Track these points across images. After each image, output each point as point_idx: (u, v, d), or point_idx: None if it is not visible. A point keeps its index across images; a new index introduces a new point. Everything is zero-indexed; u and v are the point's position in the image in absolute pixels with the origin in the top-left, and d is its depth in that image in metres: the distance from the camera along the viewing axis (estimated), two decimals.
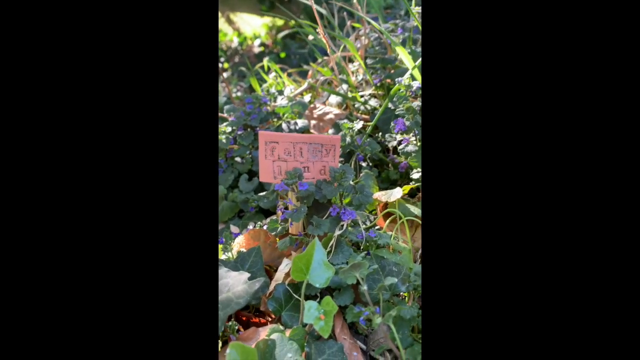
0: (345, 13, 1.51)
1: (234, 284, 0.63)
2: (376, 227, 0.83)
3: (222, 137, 1.13)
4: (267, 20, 3.65)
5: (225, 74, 2.85)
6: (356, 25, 1.46)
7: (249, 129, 1.19)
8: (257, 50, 3.31)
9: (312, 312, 0.57)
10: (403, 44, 1.22)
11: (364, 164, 1.00)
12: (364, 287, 0.59)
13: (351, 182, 0.77)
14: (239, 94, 1.99)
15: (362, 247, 0.74)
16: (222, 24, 3.95)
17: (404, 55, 0.96)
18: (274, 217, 0.84)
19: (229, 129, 1.17)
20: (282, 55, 2.85)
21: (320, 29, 1.11)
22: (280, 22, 3.49)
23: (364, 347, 0.65)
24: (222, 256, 0.77)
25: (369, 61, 1.22)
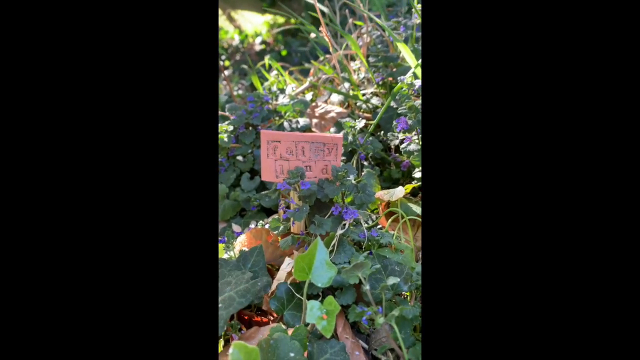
0: (347, 10, 1.50)
1: (236, 283, 0.63)
2: (378, 227, 0.83)
3: (224, 136, 1.13)
4: (269, 17, 3.64)
5: (226, 72, 2.85)
6: (358, 23, 1.46)
7: (250, 128, 1.19)
8: (258, 48, 3.31)
9: (314, 312, 0.57)
10: (405, 41, 1.21)
11: (366, 163, 1.00)
12: (366, 287, 0.59)
13: (353, 181, 0.77)
14: (240, 92, 1.99)
15: (364, 247, 0.74)
16: (223, 22, 3.94)
17: (406, 53, 0.96)
18: (275, 216, 0.84)
19: (231, 128, 1.17)
20: (284, 53, 2.85)
21: (322, 27, 1.10)
22: (281, 19, 3.48)
23: (366, 346, 0.65)
24: (224, 255, 0.77)
25: (371, 59, 1.22)
